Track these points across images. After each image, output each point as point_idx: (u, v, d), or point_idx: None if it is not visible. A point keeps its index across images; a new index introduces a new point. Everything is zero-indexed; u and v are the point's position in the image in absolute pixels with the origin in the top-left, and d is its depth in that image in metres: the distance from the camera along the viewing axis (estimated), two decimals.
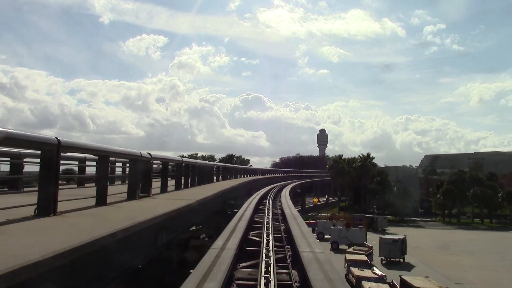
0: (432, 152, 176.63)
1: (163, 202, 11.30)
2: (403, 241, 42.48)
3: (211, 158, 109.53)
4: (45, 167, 6.60)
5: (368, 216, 68.34)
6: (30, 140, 6.38)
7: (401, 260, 41.85)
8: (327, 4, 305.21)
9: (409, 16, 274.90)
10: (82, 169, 15.08)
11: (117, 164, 16.84)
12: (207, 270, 6.15)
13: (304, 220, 20.65)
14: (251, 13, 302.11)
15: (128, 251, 6.70)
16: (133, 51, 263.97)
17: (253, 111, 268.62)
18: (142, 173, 12.20)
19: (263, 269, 6.92)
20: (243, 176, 45.50)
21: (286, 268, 7.76)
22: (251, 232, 12.25)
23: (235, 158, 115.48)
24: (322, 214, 72.20)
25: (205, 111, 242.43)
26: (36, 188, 7.13)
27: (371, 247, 40.18)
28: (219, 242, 8.86)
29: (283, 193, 35.62)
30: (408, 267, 39.98)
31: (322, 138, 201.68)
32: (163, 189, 14.70)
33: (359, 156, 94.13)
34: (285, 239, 11.20)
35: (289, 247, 9.84)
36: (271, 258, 7.85)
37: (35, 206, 6.48)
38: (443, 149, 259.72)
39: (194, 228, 18.53)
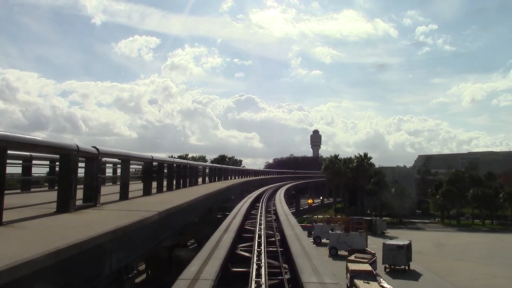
0: (424, 153, 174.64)
1: (102, 217, 7.59)
2: (408, 247, 39.19)
3: (202, 159, 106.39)
4: None
5: (366, 219, 65.20)
6: None
7: (406, 267, 38.61)
8: (320, 5, 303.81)
9: (401, 17, 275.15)
10: None
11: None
12: None
13: (299, 223, 18.86)
14: (244, 14, 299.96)
15: None
16: (126, 53, 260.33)
17: (246, 112, 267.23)
18: (89, 174, 9.11)
19: None
20: (235, 178, 43.70)
21: None
22: (240, 245, 10.58)
23: (227, 159, 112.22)
24: (318, 217, 68.57)
25: (198, 112, 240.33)
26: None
27: (374, 254, 36.78)
28: (192, 268, 6.50)
29: (277, 195, 33.15)
30: (415, 275, 36.77)
31: (316, 139, 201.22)
32: (124, 195, 11.17)
33: (356, 156, 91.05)
34: (281, 254, 9.53)
35: (286, 266, 8.42)
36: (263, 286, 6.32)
37: None
38: (435, 149, 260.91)
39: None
